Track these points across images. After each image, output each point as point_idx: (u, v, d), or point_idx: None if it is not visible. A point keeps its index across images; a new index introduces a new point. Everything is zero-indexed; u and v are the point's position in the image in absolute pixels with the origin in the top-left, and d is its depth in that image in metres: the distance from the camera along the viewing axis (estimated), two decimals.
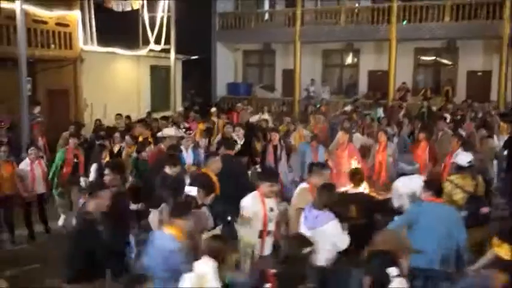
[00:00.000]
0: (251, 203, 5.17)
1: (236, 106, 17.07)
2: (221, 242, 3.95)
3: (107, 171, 5.94)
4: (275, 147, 9.38)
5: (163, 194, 5.91)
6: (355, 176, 6.52)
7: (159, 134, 9.62)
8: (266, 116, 14.91)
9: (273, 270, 3.52)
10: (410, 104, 17.97)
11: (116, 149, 9.35)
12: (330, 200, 4.80)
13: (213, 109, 14.83)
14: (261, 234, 5.14)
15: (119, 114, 12.96)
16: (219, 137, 10.95)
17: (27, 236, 8.20)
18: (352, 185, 6.50)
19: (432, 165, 9.13)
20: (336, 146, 9.56)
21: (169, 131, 9.37)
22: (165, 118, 12.78)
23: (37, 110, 12.53)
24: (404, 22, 18.84)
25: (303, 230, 4.76)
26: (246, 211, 5.13)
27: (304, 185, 5.88)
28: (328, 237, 4.65)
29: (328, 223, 4.68)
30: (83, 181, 8.06)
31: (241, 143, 9.80)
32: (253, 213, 5.11)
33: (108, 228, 4.64)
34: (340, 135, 9.51)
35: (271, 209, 5.23)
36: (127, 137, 9.39)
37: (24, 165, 8.29)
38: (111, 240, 4.68)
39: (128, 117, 12.92)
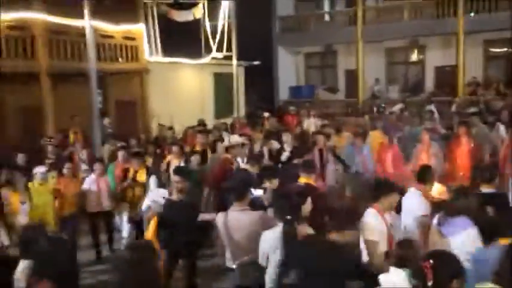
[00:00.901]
0: (374, 222, 4.47)
1: (289, 109, 16.95)
2: (409, 248, 3.64)
3: (176, 177, 5.85)
4: (321, 151, 8.92)
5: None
6: (427, 174, 5.62)
7: (226, 143, 9.04)
8: (313, 120, 14.62)
9: None
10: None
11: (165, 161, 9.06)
12: (468, 205, 4.26)
13: (266, 114, 14.91)
14: (386, 256, 4.31)
15: (161, 124, 13.20)
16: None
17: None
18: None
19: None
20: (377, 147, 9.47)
21: (238, 139, 8.79)
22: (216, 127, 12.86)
23: (106, 121, 13.03)
24: (472, 14, 18.06)
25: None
26: (371, 232, 4.43)
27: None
28: (466, 247, 3.99)
29: (466, 229, 4.12)
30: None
31: (290, 149, 9.20)
32: (379, 233, 4.44)
33: None
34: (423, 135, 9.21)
35: (391, 225, 4.64)
36: (174, 148, 9.07)
37: (90, 181, 8.13)
38: None
39: (171, 128, 13.00)
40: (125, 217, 8.24)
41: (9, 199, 6.84)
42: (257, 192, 5.29)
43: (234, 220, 4.59)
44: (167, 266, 5.55)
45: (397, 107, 16.45)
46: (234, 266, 4.68)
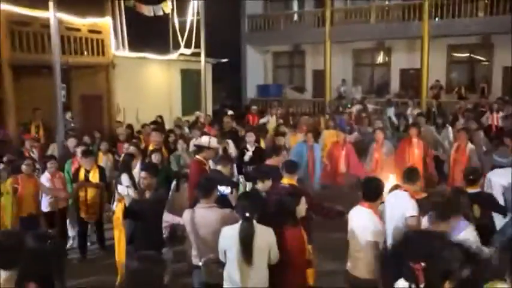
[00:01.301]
0: (373, 223, 4.56)
1: (251, 108, 16.97)
2: None
3: (143, 174, 5.77)
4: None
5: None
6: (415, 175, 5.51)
7: (195, 143, 8.06)
8: (273, 119, 14.60)
9: None
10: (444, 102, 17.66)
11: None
12: (463, 204, 4.40)
13: (229, 112, 14.91)
14: None
15: (118, 121, 12.84)
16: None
17: None
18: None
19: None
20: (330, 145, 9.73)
21: (212, 142, 7.38)
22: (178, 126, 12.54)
23: (68, 115, 12.75)
24: (437, 19, 18.48)
25: None
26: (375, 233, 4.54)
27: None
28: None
29: (466, 230, 4.20)
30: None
31: (253, 150, 8.97)
32: (377, 235, 4.54)
33: None
34: (336, 134, 9.80)
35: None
36: (131, 147, 8.55)
37: (45, 179, 7.76)
38: None
39: (130, 126, 12.68)
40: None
41: None
42: (226, 191, 5.27)
43: (201, 217, 4.57)
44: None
45: (355, 108, 16.72)
46: (200, 264, 4.65)
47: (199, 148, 7.14)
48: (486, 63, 19.91)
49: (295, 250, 4.36)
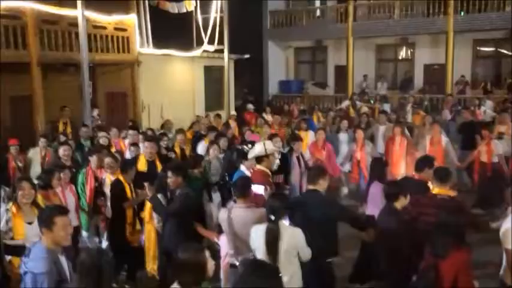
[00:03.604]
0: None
1: (248, 107, 16.81)
2: None
3: (169, 173, 5.72)
4: (298, 158, 8.18)
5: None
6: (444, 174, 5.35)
7: (251, 155, 6.51)
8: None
9: None
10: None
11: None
12: None
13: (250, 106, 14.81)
14: None
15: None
16: None
17: None
18: None
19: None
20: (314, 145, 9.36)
21: (268, 147, 6.45)
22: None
23: (95, 112, 12.92)
24: (462, 13, 18.21)
25: None
26: None
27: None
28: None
29: None
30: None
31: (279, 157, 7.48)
32: None
33: None
34: (357, 133, 9.44)
35: None
36: (107, 160, 7.16)
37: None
38: None
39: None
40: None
41: None
42: (258, 190, 5.28)
43: (239, 217, 4.60)
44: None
45: (344, 104, 16.64)
46: (236, 263, 4.68)
47: (258, 158, 6.29)
48: None
49: (463, 278, 3.87)
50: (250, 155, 6.37)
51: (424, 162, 5.85)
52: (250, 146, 7.47)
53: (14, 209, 4.97)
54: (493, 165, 9.00)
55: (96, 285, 3.12)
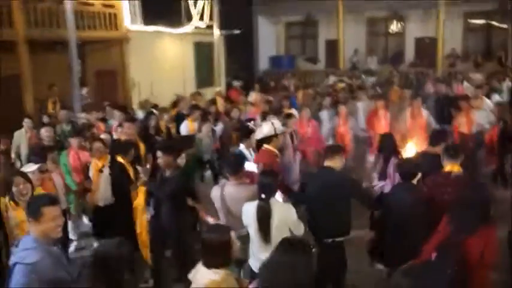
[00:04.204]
0: None
1: (234, 84, 16.58)
2: None
3: (159, 153, 5.60)
4: (291, 136, 7.87)
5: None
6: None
7: (259, 135, 6.35)
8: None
9: None
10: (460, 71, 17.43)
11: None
12: None
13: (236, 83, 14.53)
14: None
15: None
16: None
17: None
18: None
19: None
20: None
21: (277, 126, 6.32)
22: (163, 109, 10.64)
23: (84, 91, 12.80)
24: None
25: None
26: None
27: None
28: None
29: None
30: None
31: None
32: None
33: None
34: (340, 109, 9.40)
35: None
36: (97, 144, 6.74)
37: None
38: None
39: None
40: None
41: None
42: (250, 167, 5.28)
43: (232, 193, 4.62)
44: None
45: (331, 80, 16.61)
46: None
47: (267, 138, 6.06)
48: (503, 30, 19.47)
49: (490, 253, 3.85)
50: (259, 135, 6.13)
51: (439, 137, 5.84)
52: (252, 123, 7.58)
53: (12, 205, 4.74)
54: (475, 135, 9.09)
55: (114, 280, 2.97)
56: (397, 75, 16.11)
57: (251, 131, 6.69)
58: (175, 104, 12.21)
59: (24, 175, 4.97)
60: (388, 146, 6.29)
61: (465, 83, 14.24)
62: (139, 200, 5.63)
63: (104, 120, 9.76)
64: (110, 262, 2.97)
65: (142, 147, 7.47)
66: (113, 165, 6.38)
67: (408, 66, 19.53)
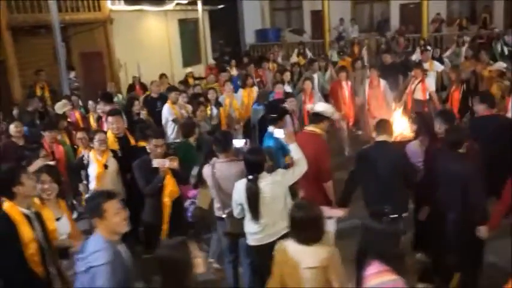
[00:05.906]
0: None
1: (209, 62, 16.29)
2: None
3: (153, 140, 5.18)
4: (291, 115, 7.39)
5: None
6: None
7: (314, 110, 5.49)
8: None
9: None
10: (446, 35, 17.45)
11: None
12: None
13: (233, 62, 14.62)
14: None
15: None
16: None
17: None
18: None
19: None
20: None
21: (332, 110, 5.58)
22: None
23: (72, 74, 12.73)
24: None
25: None
26: None
27: None
28: None
29: None
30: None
31: None
32: None
33: None
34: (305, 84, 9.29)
35: None
36: (101, 135, 6.05)
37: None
38: None
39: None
40: None
41: None
42: (238, 144, 5.35)
43: (222, 171, 4.72)
44: None
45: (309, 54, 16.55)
46: (223, 216, 4.84)
47: (316, 117, 5.36)
48: None
49: None
50: (319, 108, 5.43)
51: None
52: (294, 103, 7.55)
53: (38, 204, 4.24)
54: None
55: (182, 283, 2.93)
56: (385, 43, 16.05)
57: (286, 112, 6.36)
58: (130, 88, 12.39)
59: (52, 171, 4.51)
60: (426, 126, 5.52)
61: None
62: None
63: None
64: (179, 266, 2.94)
65: (131, 139, 6.65)
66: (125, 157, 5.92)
67: (394, 33, 19.47)
